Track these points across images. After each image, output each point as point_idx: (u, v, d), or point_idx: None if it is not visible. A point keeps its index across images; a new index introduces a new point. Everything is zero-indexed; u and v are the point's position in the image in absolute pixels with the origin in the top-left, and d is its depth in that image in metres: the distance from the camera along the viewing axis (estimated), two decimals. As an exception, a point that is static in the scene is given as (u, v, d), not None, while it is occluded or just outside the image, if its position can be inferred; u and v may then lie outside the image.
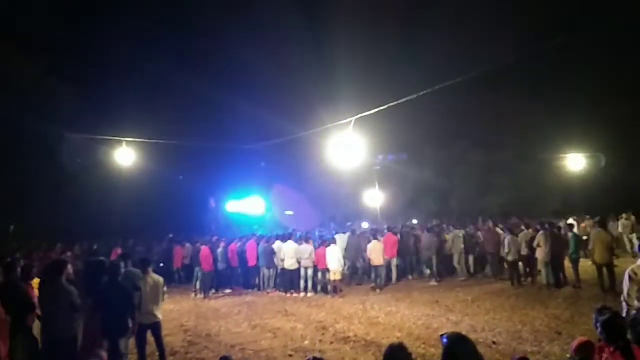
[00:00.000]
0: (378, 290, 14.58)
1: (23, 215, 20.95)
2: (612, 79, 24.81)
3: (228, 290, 15.67)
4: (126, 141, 14.07)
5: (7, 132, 18.97)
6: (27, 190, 21.00)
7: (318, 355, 7.88)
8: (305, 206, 27.13)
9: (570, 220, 16.84)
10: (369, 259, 15.26)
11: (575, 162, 23.63)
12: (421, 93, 10.95)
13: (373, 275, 15.17)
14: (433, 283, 15.09)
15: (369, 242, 15.51)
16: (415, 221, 26.23)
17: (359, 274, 16.47)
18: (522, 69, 22.82)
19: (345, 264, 15.71)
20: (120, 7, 27.10)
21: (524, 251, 13.81)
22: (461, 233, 16.38)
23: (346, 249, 16.17)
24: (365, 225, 23.74)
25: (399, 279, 15.68)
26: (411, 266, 16.75)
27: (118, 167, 15.44)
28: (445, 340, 3.13)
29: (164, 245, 19.00)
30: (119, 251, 15.26)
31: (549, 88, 27.32)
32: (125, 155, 14.30)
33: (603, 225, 12.73)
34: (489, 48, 20.83)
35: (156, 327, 7.61)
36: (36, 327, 6.94)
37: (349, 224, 20.95)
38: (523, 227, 15.10)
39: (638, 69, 23.00)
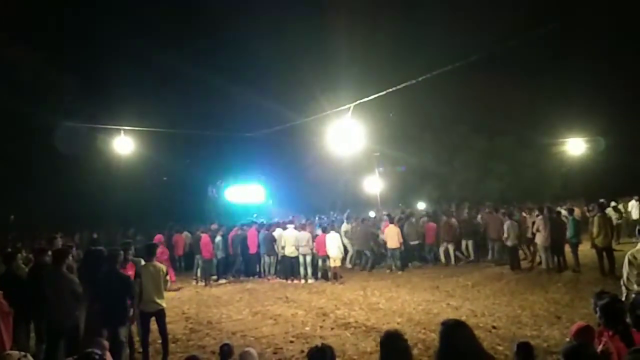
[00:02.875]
0: (388, 272, 14.99)
1: (23, 205, 20.95)
2: (612, 61, 24.64)
3: (223, 281, 15.64)
4: (124, 129, 13.99)
5: (5, 121, 18.91)
6: (26, 179, 20.99)
7: (319, 341, 7.94)
8: (304, 193, 27.13)
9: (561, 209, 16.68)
10: (384, 242, 15.44)
11: (575, 147, 23.54)
12: (420, 78, 10.89)
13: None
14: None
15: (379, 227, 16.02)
16: (422, 205, 26.20)
17: (363, 261, 16.56)
18: (522, 53, 22.60)
19: (347, 251, 15.95)
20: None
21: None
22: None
23: (351, 237, 16.50)
24: (372, 214, 23.71)
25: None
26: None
27: (117, 156, 15.35)
28: (441, 327, 3.10)
29: (165, 233, 18.98)
30: (162, 238, 15.07)
31: (549, 72, 27.10)
32: (123, 144, 14.22)
33: (603, 209, 12.74)
34: (488, 32, 20.59)
35: (160, 315, 7.57)
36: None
37: (347, 211, 20.90)
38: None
39: (637, 52, 22.82)
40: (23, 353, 3.61)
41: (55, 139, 18.69)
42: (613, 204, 17.94)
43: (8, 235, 17.21)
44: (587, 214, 17.62)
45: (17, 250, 9.03)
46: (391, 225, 15.49)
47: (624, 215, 17.71)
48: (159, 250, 14.25)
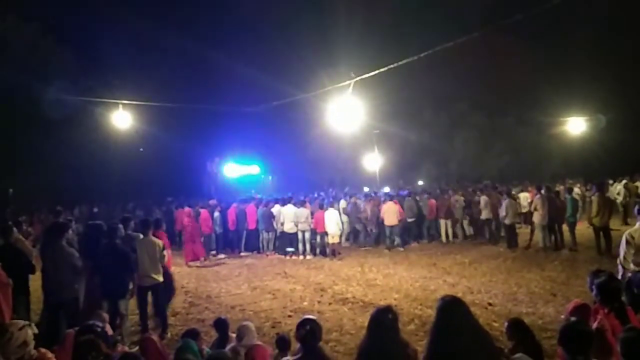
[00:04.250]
0: (387, 251, 14.94)
1: (22, 178, 20.91)
2: (612, 38, 24.44)
3: (222, 256, 15.72)
4: (122, 104, 13.87)
5: (3, 95, 18.73)
6: (25, 153, 20.90)
7: (316, 315, 8.02)
8: (303, 170, 27.11)
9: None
10: (382, 219, 15.44)
11: (575, 126, 23.39)
12: (422, 54, 10.77)
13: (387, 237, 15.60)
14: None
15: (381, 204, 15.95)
16: (421, 182, 26.27)
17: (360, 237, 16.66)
18: (523, 30, 22.34)
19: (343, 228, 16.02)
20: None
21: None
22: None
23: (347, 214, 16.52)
24: (366, 189, 23.77)
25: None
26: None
27: (116, 130, 15.25)
28: (438, 302, 3.07)
29: (164, 208, 19.00)
30: (191, 212, 14.99)
31: (549, 49, 26.90)
32: (121, 118, 14.13)
33: (601, 189, 12.70)
34: (489, 9, 20.36)
35: (156, 289, 7.66)
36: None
37: (346, 189, 20.95)
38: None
39: (637, 28, 22.53)
40: (27, 322, 3.63)
41: (53, 112, 18.56)
42: (624, 181, 17.72)
43: (7, 209, 17.22)
44: (586, 193, 17.60)
45: (18, 223, 9.03)
46: (389, 202, 15.51)
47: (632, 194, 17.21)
48: (190, 223, 14.37)
